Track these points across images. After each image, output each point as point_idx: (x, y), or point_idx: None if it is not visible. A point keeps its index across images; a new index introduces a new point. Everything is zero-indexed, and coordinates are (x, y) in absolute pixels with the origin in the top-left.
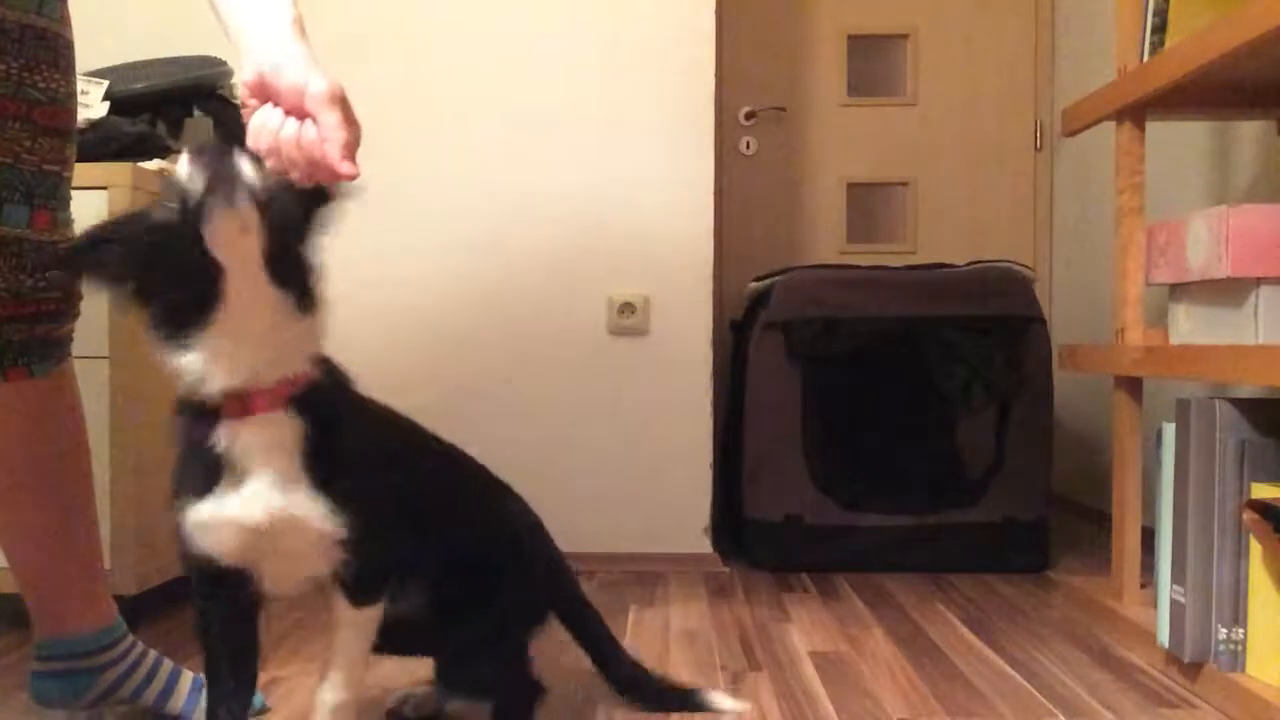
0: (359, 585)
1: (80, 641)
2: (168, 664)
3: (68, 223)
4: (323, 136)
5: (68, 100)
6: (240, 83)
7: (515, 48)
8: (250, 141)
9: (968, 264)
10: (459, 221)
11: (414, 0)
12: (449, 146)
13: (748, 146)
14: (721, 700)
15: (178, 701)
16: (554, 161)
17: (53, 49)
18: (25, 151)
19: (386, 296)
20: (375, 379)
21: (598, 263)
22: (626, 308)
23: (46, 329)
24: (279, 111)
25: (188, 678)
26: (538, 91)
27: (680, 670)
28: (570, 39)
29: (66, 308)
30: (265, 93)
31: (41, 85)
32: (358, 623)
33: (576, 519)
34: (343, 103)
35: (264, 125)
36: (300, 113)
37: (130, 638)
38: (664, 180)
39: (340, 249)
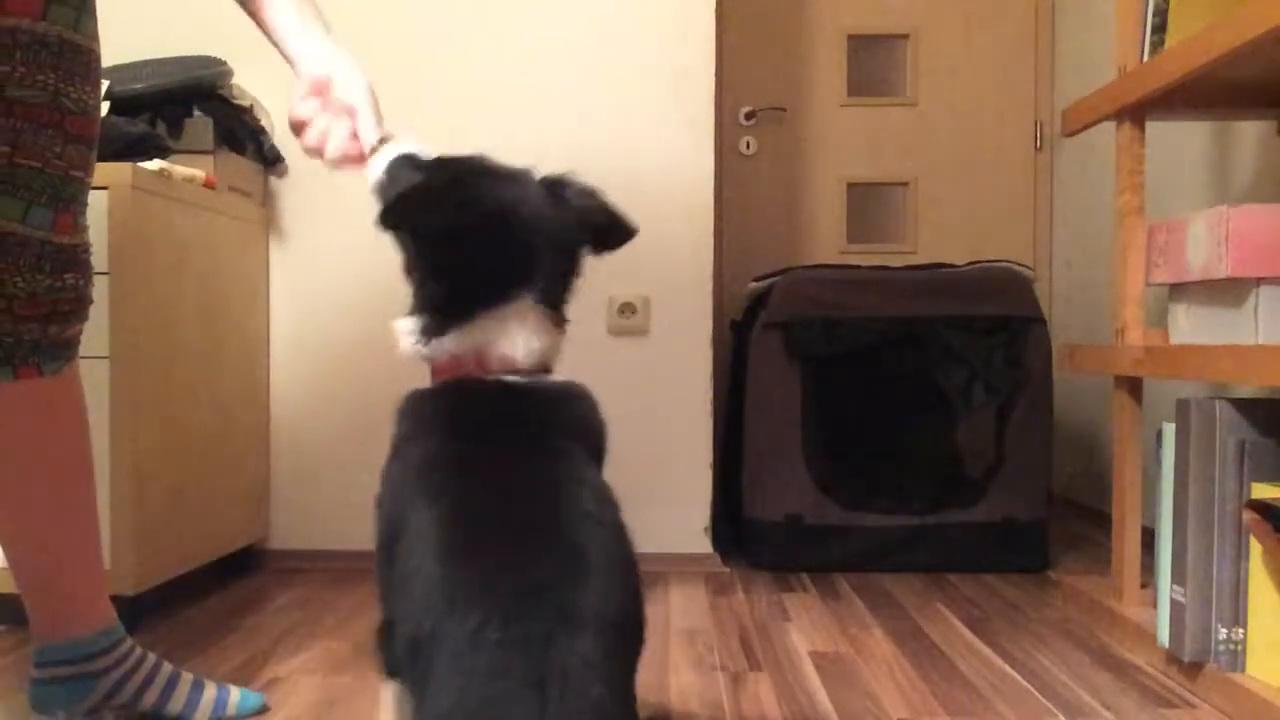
0: None
1: (82, 645)
2: (167, 666)
3: (85, 227)
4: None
5: (95, 111)
6: (300, 80)
7: (514, 47)
8: (307, 137)
9: (968, 264)
10: None
11: (409, 7)
12: (446, 145)
13: (748, 146)
14: None
15: (177, 703)
16: (553, 161)
17: (86, 63)
18: (55, 157)
19: (388, 293)
20: (372, 377)
21: (598, 263)
22: (626, 308)
23: (58, 329)
24: (326, 115)
25: (187, 679)
26: (537, 90)
27: (680, 669)
28: (570, 39)
29: (78, 309)
30: (318, 90)
31: (74, 96)
32: None
33: None
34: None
35: (316, 122)
36: (341, 112)
37: (129, 640)
38: (664, 180)
39: (342, 249)
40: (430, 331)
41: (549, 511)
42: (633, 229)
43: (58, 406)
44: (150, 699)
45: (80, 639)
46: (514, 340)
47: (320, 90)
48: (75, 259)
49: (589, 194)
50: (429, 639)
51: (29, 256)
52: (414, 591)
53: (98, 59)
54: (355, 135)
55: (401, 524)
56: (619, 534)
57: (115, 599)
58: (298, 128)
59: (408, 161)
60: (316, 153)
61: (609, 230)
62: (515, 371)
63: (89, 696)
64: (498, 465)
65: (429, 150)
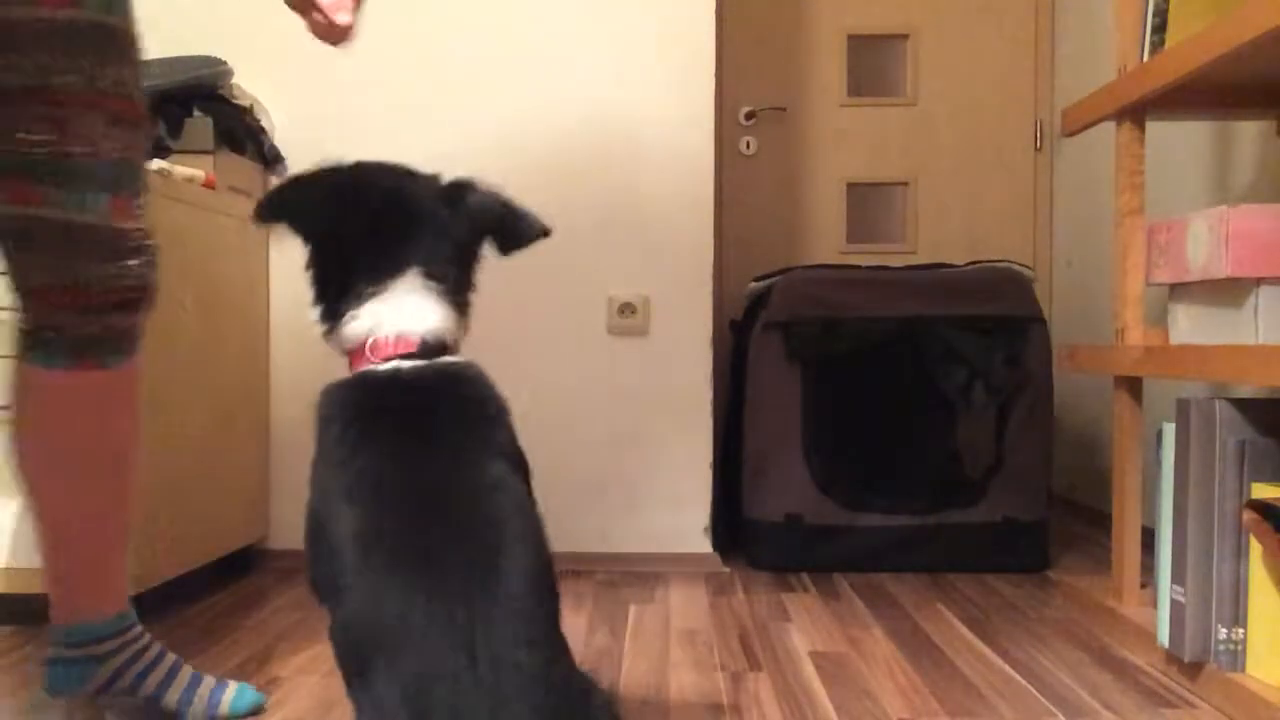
0: None
1: (93, 628)
2: (170, 657)
3: (142, 209)
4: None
5: (136, 92)
6: None
7: (515, 48)
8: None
9: (968, 264)
10: None
11: (408, 7)
12: (448, 148)
13: (748, 146)
14: None
15: (174, 694)
16: (553, 161)
17: (121, 45)
18: (103, 138)
19: None
20: None
21: (598, 263)
22: (626, 308)
23: (120, 319)
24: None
25: (187, 672)
26: (537, 90)
27: (680, 670)
28: (571, 39)
29: (143, 297)
30: None
31: (112, 78)
32: None
33: (576, 518)
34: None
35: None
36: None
37: (139, 627)
38: (664, 180)
39: None
40: (328, 319)
41: (461, 515)
42: (541, 228)
43: (119, 399)
44: (149, 687)
45: (92, 622)
46: (406, 315)
47: None
48: (137, 244)
49: (489, 194)
50: (368, 642)
51: (88, 244)
52: (348, 595)
53: (134, 40)
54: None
55: (326, 525)
56: (526, 511)
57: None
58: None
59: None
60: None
61: (511, 228)
62: (413, 353)
63: (93, 679)
64: (409, 466)
65: None
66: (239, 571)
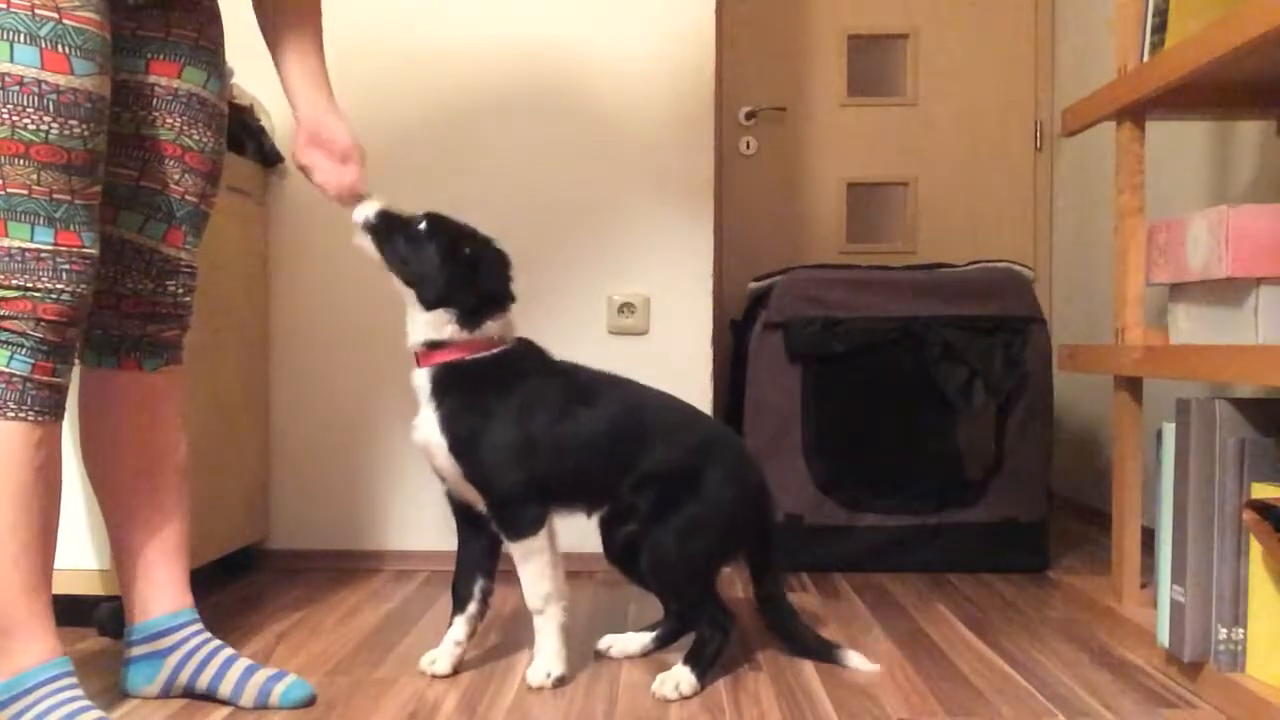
0: (500, 521)
1: (153, 624)
2: (226, 650)
3: (193, 248)
4: (355, 180)
5: (214, 154)
6: (297, 134)
7: (515, 47)
8: (316, 177)
9: (968, 264)
10: None
11: (417, 7)
12: (450, 150)
13: (748, 146)
14: (857, 661)
15: (228, 685)
16: (553, 161)
17: (209, 115)
18: (174, 183)
19: (387, 293)
20: (371, 377)
21: (598, 263)
22: (626, 308)
23: (157, 329)
24: (328, 160)
25: (242, 663)
26: (537, 90)
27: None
28: (571, 38)
29: (175, 314)
30: (318, 141)
31: (196, 138)
32: (516, 553)
33: (576, 518)
34: (362, 155)
35: (319, 167)
36: (339, 158)
37: (198, 624)
38: (664, 180)
39: (342, 248)
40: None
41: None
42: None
43: (157, 401)
44: (204, 681)
45: (154, 619)
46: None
47: (317, 140)
48: (178, 270)
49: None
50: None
51: (139, 263)
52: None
53: (222, 114)
54: (353, 182)
55: None
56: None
57: (115, 598)
58: (305, 171)
59: (386, 214)
60: (322, 189)
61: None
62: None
63: (158, 676)
64: None
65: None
66: (239, 571)
